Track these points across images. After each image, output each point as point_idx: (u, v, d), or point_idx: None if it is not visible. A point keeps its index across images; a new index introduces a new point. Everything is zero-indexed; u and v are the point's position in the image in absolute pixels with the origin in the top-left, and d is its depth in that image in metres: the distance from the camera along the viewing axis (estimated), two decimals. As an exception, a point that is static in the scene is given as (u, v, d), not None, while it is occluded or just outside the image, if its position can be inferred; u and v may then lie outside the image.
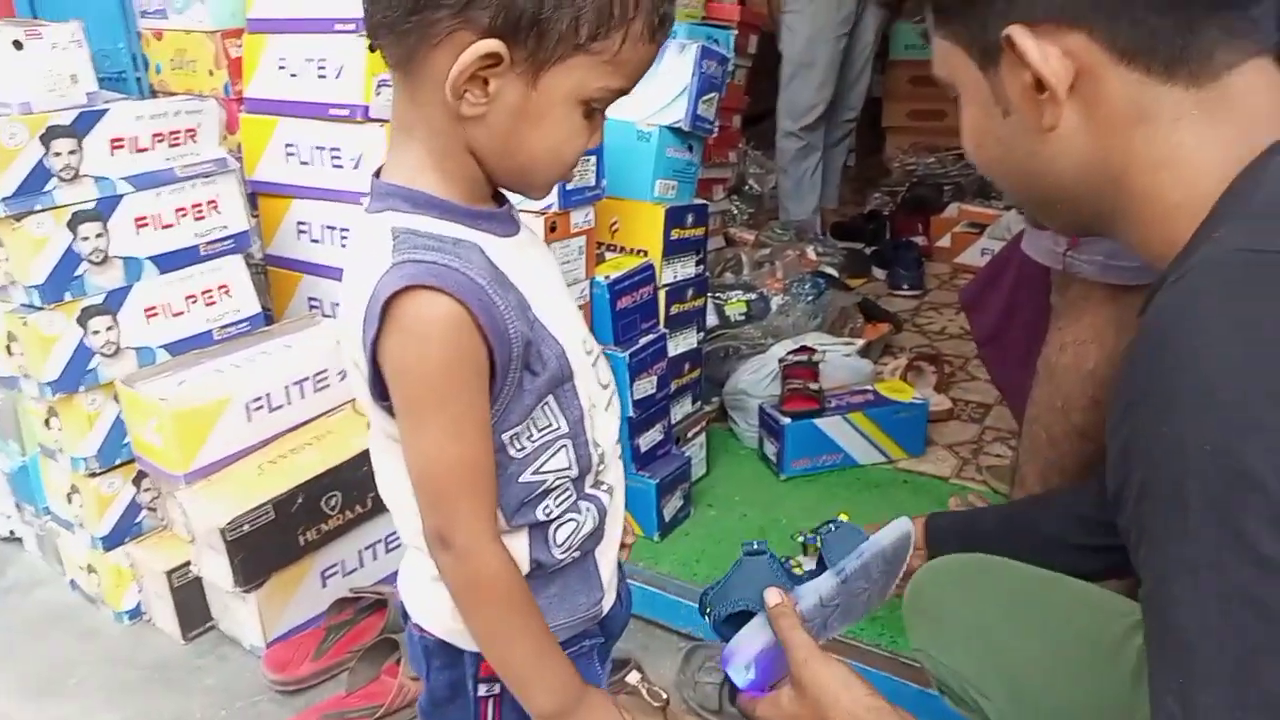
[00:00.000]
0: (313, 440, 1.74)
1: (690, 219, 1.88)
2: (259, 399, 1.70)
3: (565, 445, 0.83)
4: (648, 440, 1.85)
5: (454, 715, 0.90)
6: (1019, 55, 0.69)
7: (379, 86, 1.84)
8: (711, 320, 2.30)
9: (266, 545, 1.60)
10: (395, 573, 1.88)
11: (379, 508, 1.77)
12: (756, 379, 2.19)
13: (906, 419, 2.12)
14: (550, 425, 0.81)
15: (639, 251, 1.84)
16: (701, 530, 1.89)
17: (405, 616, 0.93)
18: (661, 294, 1.85)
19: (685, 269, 1.90)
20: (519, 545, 0.83)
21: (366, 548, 1.78)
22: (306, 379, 1.77)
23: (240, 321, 1.85)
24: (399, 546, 1.87)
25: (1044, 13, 0.68)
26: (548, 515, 0.83)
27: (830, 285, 2.70)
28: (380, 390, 0.76)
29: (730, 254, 2.72)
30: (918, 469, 2.12)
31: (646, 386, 1.82)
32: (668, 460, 1.89)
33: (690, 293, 1.93)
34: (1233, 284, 0.58)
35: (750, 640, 0.86)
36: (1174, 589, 0.56)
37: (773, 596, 0.85)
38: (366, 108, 1.84)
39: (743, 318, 2.35)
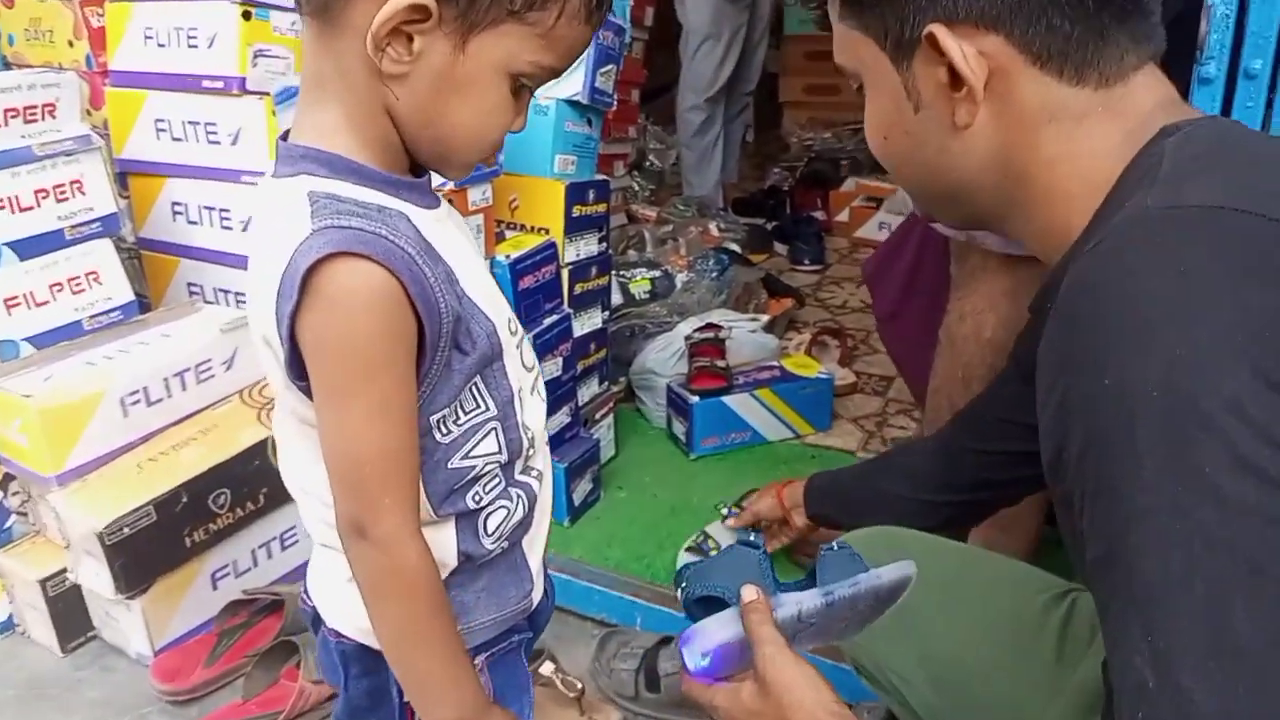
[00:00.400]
0: (197, 435, 1.63)
1: (592, 195, 1.83)
2: (136, 393, 1.58)
3: (494, 428, 0.78)
4: (555, 423, 1.81)
5: None
6: (939, 53, 0.70)
7: (255, 57, 1.73)
8: (616, 299, 2.26)
9: (149, 548, 1.50)
10: (292, 571, 1.79)
11: (273, 504, 1.68)
12: (664, 357, 2.16)
13: (812, 394, 2.13)
14: (478, 408, 0.77)
15: (540, 229, 1.79)
16: (612, 514, 1.86)
17: (315, 622, 0.87)
18: (565, 273, 1.80)
19: (588, 247, 1.85)
20: (445, 537, 0.79)
21: (260, 546, 1.69)
22: (188, 370, 1.66)
23: (112, 310, 1.73)
24: (295, 543, 1.79)
25: (964, 14, 0.69)
26: (478, 503, 0.79)
27: (734, 261, 2.69)
28: (297, 369, 0.70)
29: (633, 231, 2.68)
30: (825, 443, 2.13)
31: (552, 368, 1.77)
32: (576, 443, 1.85)
33: (594, 271, 1.88)
34: (1157, 235, 0.58)
35: (716, 628, 0.83)
36: (1133, 540, 0.54)
37: (749, 592, 0.82)
38: (243, 79, 1.73)
39: (648, 295, 2.32)
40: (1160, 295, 0.55)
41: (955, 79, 0.71)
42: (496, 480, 0.81)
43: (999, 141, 0.74)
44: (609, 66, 1.78)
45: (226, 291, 1.93)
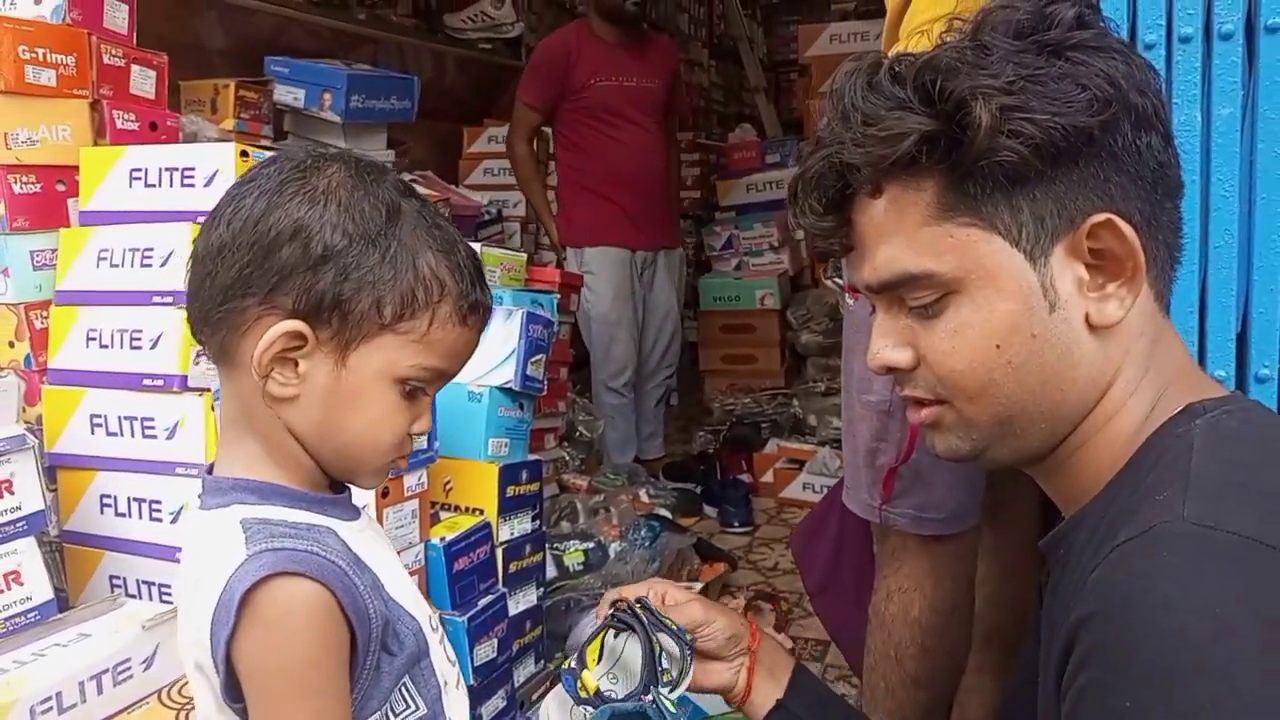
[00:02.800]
0: (110, 743, 1.55)
1: (525, 475, 1.89)
2: (48, 700, 1.50)
3: None
4: (490, 709, 1.76)
5: None
6: (1089, 248, 0.70)
7: (198, 356, 1.81)
8: (550, 572, 2.26)
9: None
10: None
11: (186, 817, 1.56)
12: (598, 632, 2.14)
13: (750, 663, 2.11)
14: (408, 708, 0.79)
15: (475, 510, 1.82)
16: (550, 805, 1.77)
17: None
18: (499, 552, 1.82)
19: (522, 525, 1.89)
20: None
21: None
22: (106, 671, 1.59)
23: (30, 610, 1.67)
24: None
25: (1124, 205, 0.70)
26: None
27: (665, 527, 2.73)
28: (234, 692, 0.72)
29: (565, 501, 2.72)
30: (766, 714, 2.09)
31: (487, 651, 1.74)
32: (511, 729, 1.79)
33: (528, 549, 1.90)
34: (1194, 563, 0.59)
35: None
36: None
37: None
38: (184, 377, 1.80)
39: (581, 567, 2.33)
40: (1193, 642, 0.56)
41: (1096, 275, 0.70)
42: None
43: (1104, 352, 0.71)
44: (539, 356, 1.89)
45: (150, 584, 1.89)
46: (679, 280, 3.78)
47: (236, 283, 0.74)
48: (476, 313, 0.81)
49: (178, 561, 1.87)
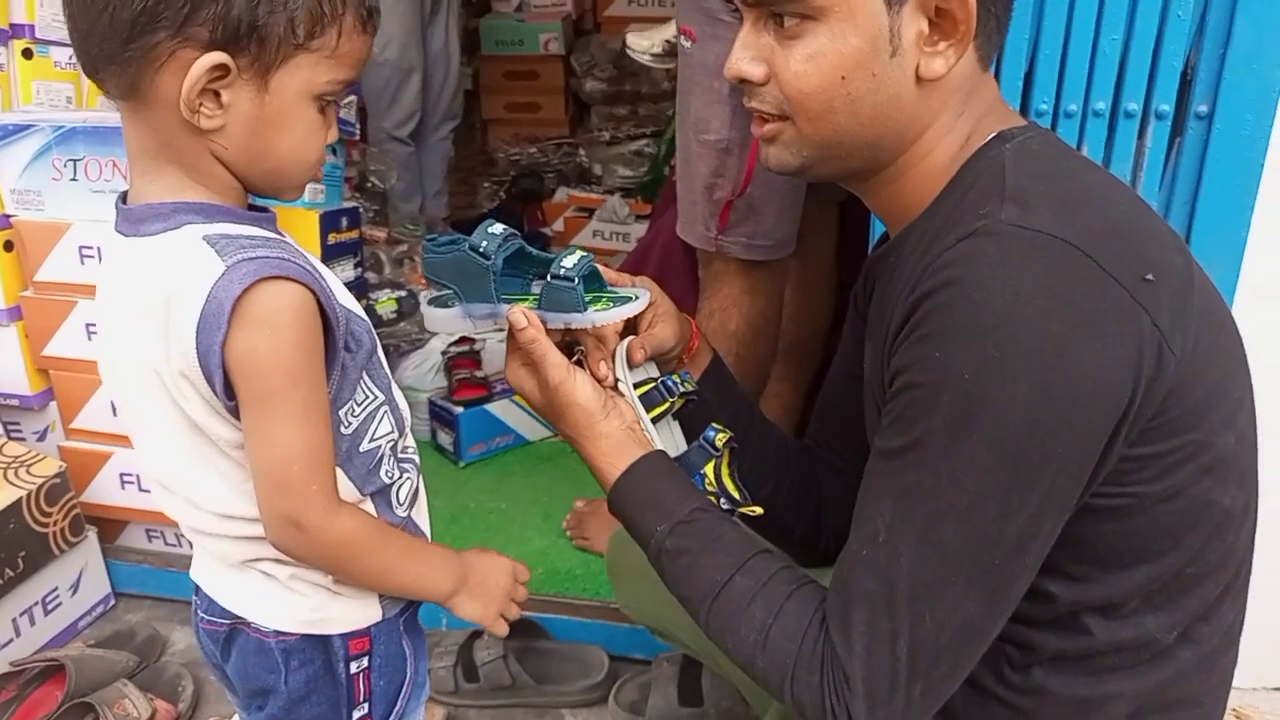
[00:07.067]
0: (-63, 504, 1.51)
1: (345, 222, 1.87)
2: None
3: (385, 411, 0.89)
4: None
5: (311, 710, 0.91)
6: (955, 3, 0.77)
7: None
8: (365, 321, 2.29)
9: (-101, 633, 1.37)
10: (59, 635, 1.68)
11: (32, 568, 1.58)
12: (421, 373, 2.23)
13: (565, 393, 2.28)
14: (369, 397, 0.87)
15: (297, 258, 1.80)
16: (392, 528, 1.91)
17: (228, 641, 0.91)
18: (324, 299, 1.83)
19: (345, 273, 1.89)
20: (367, 512, 0.88)
21: (21, 614, 1.58)
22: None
23: None
24: (59, 606, 1.68)
25: None
26: (390, 478, 0.90)
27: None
28: (230, 392, 0.77)
29: (368, 253, 2.70)
30: (581, 437, 2.29)
31: (322, 393, 1.79)
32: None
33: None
34: (1005, 251, 0.74)
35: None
36: (907, 462, 0.76)
37: (519, 318, 0.91)
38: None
39: (395, 315, 2.37)
40: (994, 308, 0.71)
41: (933, 32, 0.78)
42: (393, 457, 0.91)
43: (924, 102, 0.81)
44: (350, 98, 1.83)
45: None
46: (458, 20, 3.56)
47: (142, 16, 0.71)
48: (374, 18, 0.83)
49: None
